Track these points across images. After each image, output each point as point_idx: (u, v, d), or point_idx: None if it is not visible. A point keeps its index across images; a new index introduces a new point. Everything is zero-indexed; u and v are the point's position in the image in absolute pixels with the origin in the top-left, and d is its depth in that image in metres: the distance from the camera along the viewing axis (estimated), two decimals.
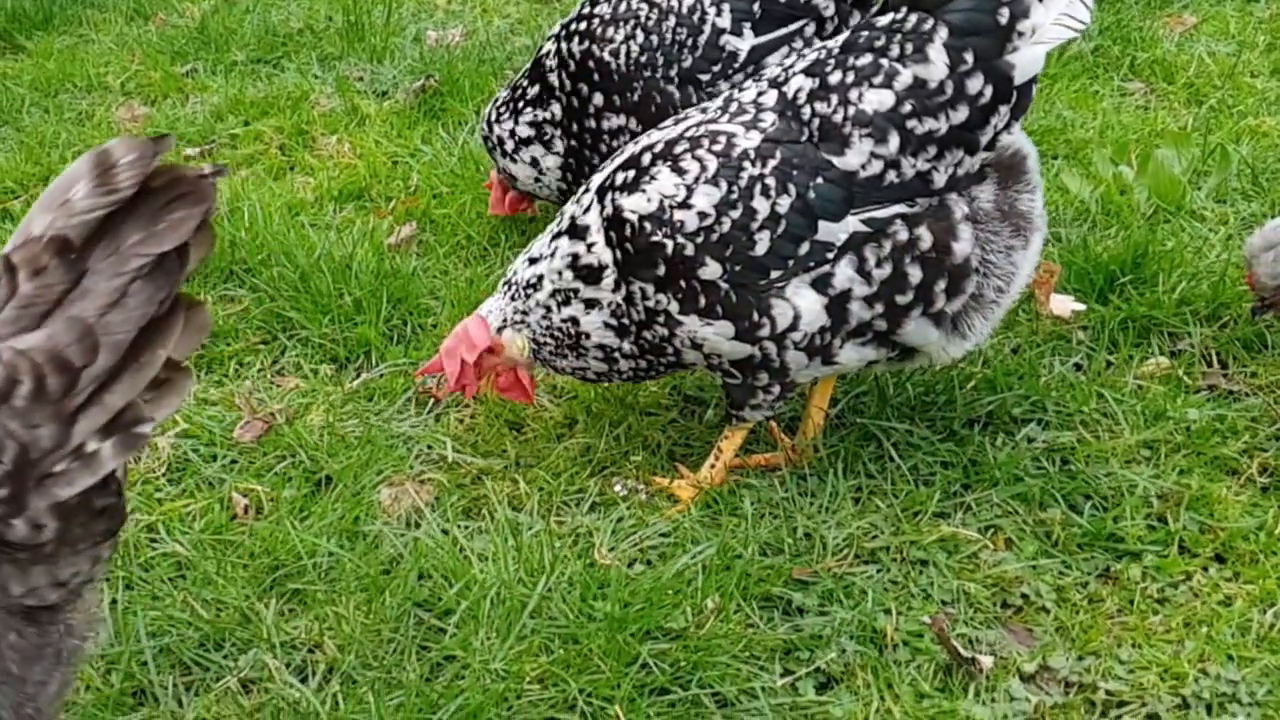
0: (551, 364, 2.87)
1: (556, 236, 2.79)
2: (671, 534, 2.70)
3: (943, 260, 2.60)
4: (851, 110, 2.55)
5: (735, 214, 2.56)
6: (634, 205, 2.63)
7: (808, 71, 2.63)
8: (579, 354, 2.80)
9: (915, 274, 2.59)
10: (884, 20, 2.62)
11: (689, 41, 3.37)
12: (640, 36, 3.41)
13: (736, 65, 3.37)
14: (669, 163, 2.63)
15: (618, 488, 2.88)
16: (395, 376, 3.31)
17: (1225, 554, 2.57)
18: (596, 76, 3.48)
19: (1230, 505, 2.66)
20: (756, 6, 3.36)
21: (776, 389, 2.73)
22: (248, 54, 5.52)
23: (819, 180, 2.55)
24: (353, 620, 2.51)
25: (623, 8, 3.47)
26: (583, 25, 3.52)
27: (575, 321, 2.76)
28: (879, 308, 2.61)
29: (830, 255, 2.57)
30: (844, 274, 2.57)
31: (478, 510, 2.85)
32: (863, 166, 2.55)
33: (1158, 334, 3.17)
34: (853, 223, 2.56)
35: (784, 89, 2.64)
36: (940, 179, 2.59)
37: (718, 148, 2.61)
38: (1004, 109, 2.57)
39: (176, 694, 2.38)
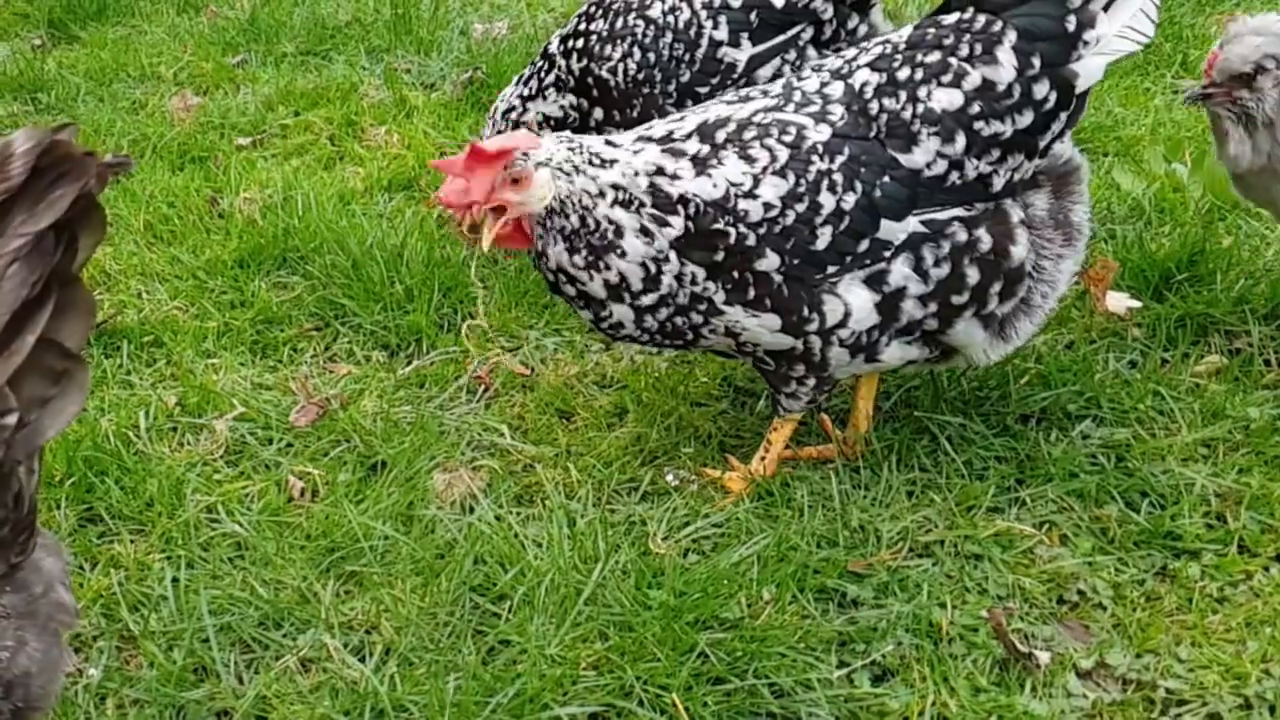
0: (547, 239, 2.54)
1: (644, 140, 2.59)
2: (725, 525, 2.70)
3: (1000, 263, 2.60)
4: (920, 108, 2.54)
5: (800, 207, 2.55)
6: (699, 189, 2.56)
7: (873, 66, 2.61)
8: (590, 262, 2.52)
9: (973, 275, 2.59)
10: (950, 19, 2.61)
11: (686, 56, 3.34)
12: (638, 54, 3.37)
13: (735, 76, 3.34)
14: (738, 149, 2.58)
15: (669, 478, 2.88)
16: (446, 364, 3.33)
17: None
18: (596, 93, 3.46)
19: None
20: (753, 16, 3.31)
21: (812, 381, 2.71)
22: (297, 45, 5.58)
23: (885, 178, 2.54)
24: (409, 603, 2.53)
25: (619, 24, 3.42)
26: (579, 43, 3.48)
27: (619, 231, 2.50)
28: (932, 307, 2.60)
29: (887, 254, 2.56)
30: (899, 272, 2.57)
31: (530, 497, 2.87)
32: (928, 166, 2.54)
33: (1215, 332, 3.14)
34: (913, 223, 2.56)
35: (850, 81, 2.62)
36: (999, 183, 2.59)
37: (788, 139, 2.57)
38: (1063, 115, 2.59)
39: (237, 671, 2.42)
